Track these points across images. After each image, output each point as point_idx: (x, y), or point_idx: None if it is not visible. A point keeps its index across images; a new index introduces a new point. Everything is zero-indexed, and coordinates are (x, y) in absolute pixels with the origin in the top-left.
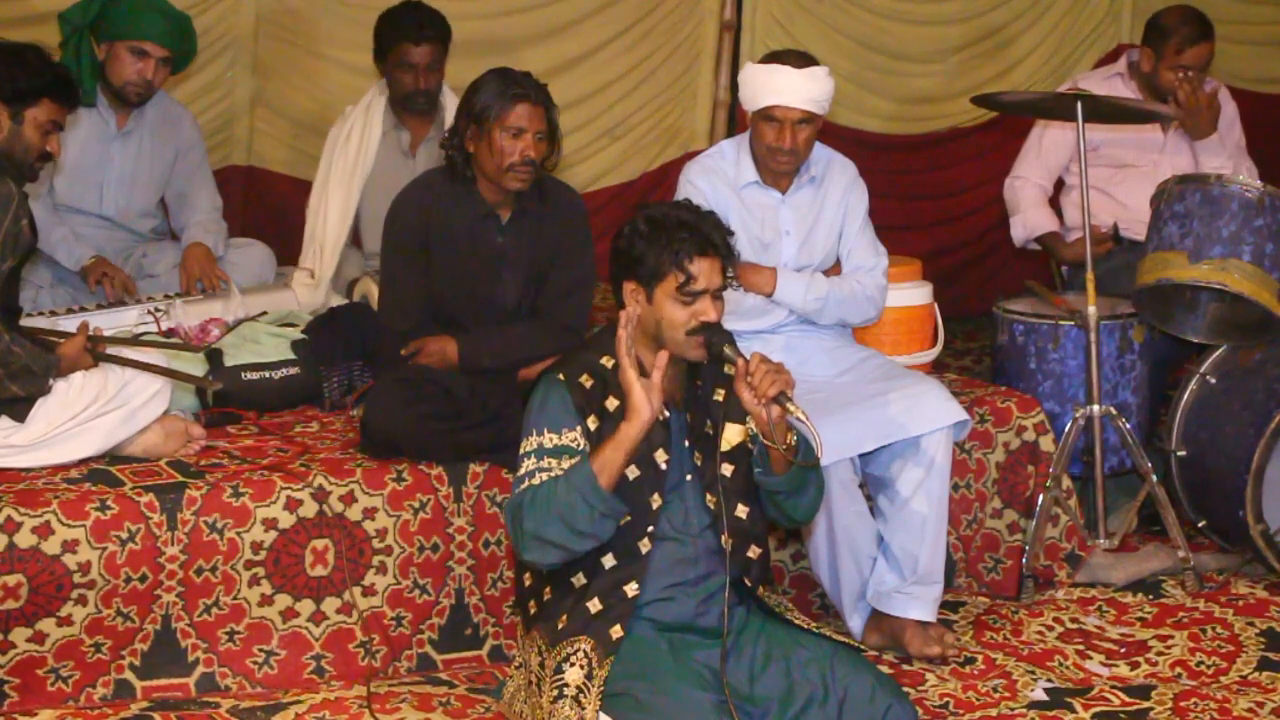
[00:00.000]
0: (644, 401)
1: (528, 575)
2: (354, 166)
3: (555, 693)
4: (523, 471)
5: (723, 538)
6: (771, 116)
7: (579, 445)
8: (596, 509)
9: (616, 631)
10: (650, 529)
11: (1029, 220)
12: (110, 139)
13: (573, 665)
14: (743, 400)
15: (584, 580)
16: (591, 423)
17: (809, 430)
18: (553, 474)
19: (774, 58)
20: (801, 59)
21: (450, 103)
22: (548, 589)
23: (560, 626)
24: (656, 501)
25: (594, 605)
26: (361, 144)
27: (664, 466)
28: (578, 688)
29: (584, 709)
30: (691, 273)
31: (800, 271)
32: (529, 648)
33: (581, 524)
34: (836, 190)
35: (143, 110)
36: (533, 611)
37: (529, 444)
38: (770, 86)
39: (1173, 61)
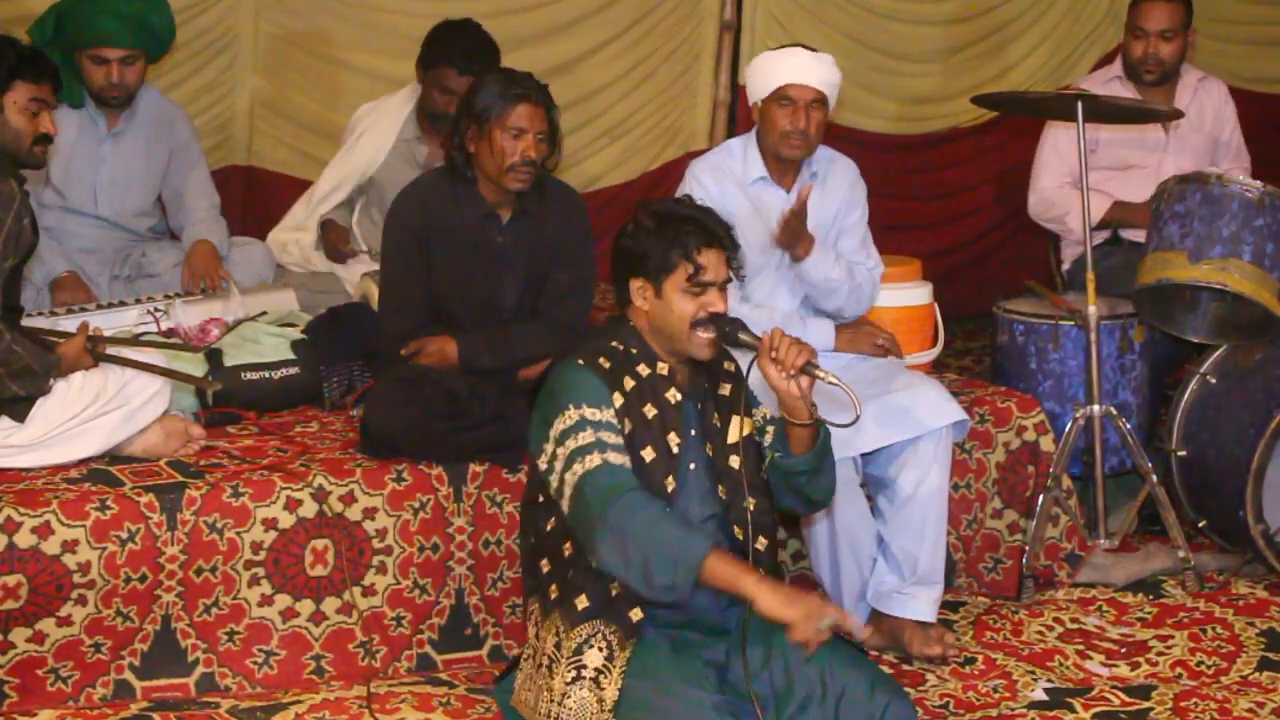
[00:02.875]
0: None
1: (545, 562)
2: (358, 162)
3: (572, 674)
4: (585, 442)
5: (735, 529)
6: (786, 96)
7: (616, 423)
8: (677, 578)
9: (636, 614)
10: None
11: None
12: (101, 140)
13: (593, 648)
14: (768, 377)
15: None
16: (616, 399)
17: (845, 390)
18: (619, 445)
19: (783, 47)
20: (811, 48)
21: None
22: (571, 571)
23: (581, 608)
24: (670, 484)
25: (615, 588)
26: (374, 144)
27: (675, 450)
28: (597, 669)
29: (603, 690)
30: (701, 263)
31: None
32: (548, 631)
33: (656, 569)
34: (839, 188)
35: (134, 110)
36: (554, 596)
37: (569, 417)
38: (785, 66)
39: (1134, 27)
